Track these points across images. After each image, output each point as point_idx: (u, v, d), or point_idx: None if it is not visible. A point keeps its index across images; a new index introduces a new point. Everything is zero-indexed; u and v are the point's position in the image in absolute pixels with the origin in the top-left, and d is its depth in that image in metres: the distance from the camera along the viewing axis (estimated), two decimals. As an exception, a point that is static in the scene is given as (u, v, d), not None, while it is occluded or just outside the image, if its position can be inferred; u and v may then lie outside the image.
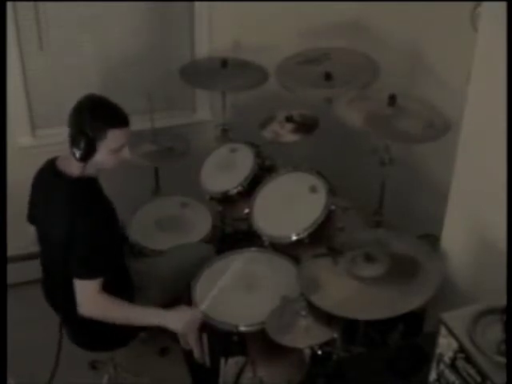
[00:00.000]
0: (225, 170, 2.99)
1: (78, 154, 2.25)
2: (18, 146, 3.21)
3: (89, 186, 2.36)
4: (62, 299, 2.45)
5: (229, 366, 2.39)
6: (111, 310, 2.32)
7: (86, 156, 2.26)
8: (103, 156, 2.28)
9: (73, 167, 2.31)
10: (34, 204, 2.48)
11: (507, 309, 1.60)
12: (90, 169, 2.32)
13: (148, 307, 2.40)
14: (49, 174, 2.38)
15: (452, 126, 2.46)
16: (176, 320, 2.36)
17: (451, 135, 2.35)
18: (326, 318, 2.18)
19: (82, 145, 2.23)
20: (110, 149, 2.28)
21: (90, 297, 2.29)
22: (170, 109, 3.50)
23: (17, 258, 3.26)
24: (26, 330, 2.95)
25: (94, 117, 2.24)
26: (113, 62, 3.30)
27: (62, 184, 2.32)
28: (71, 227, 2.23)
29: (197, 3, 3.30)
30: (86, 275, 2.28)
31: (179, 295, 2.61)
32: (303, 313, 2.22)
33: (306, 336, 2.21)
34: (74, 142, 2.25)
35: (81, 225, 2.23)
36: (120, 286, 2.44)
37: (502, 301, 1.64)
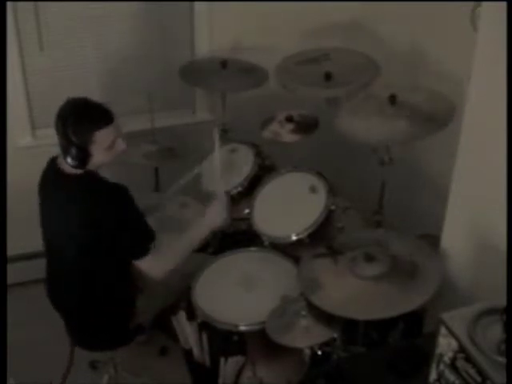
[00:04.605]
0: (225, 170, 2.98)
1: (72, 162, 2.25)
2: (17, 146, 3.21)
3: (92, 178, 2.34)
4: (64, 299, 2.45)
5: (229, 366, 2.40)
6: (172, 258, 2.44)
7: (82, 163, 2.26)
8: (99, 156, 2.28)
9: (71, 168, 2.30)
10: (41, 206, 2.45)
11: (507, 309, 1.59)
12: (90, 168, 2.32)
13: (188, 231, 2.53)
14: (51, 173, 2.38)
15: (452, 125, 2.46)
16: (215, 217, 2.55)
17: (451, 135, 2.34)
18: (326, 318, 2.18)
19: (75, 154, 2.23)
20: (104, 148, 2.27)
21: (153, 267, 2.40)
22: (170, 109, 3.50)
23: (17, 258, 3.26)
24: (26, 330, 2.95)
25: (78, 124, 2.22)
26: (113, 62, 3.30)
27: (64, 183, 2.32)
28: (89, 222, 2.26)
29: (197, 3, 3.30)
30: (142, 253, 2.36)
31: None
32: (303, 313, 2.22)
33: (306, 336, 2.21)
34: (66, 152, 2.24)
35: (103, 216, 2.26)
36: (123, 289, 2.45)
37: (502, 301, 1.63)
